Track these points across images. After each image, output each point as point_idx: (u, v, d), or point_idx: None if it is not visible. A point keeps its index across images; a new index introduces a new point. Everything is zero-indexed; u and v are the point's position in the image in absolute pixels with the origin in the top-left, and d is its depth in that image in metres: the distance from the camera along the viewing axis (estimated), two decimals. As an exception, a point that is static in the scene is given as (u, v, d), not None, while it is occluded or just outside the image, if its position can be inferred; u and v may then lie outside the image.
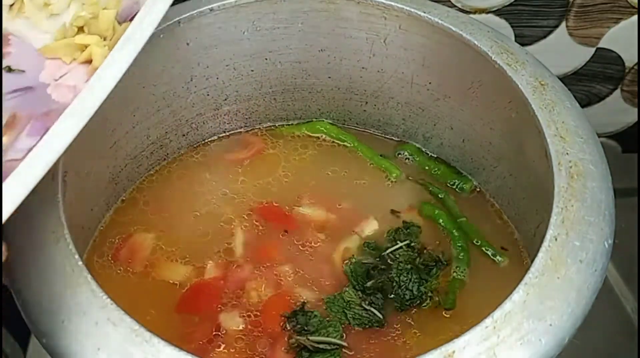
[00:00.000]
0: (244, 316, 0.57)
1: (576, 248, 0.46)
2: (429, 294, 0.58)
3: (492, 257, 0.62)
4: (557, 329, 0.43)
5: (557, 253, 0.46)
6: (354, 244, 0.63)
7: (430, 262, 0.61)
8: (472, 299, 0.59)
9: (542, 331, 0.42)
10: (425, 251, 0.62)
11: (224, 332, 0.56)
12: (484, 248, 0.63)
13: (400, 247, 0.62)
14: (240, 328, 0.56)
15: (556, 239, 0.46)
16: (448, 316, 0.58)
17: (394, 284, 0.59)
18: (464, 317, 0.57)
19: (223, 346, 0.55)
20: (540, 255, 0.46)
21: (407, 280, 0.58)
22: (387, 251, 0.61)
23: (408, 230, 0.64)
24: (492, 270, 0.62)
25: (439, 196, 0.67)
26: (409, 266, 0.59)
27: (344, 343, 0.55)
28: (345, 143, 0.71)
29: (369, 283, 0.59)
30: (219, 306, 0.57)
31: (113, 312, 0.42)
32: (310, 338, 0.54)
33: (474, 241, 0.63)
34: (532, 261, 0.46)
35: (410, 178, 0.69)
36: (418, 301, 0.58)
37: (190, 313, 0.57)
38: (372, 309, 0.57)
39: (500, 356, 0.41)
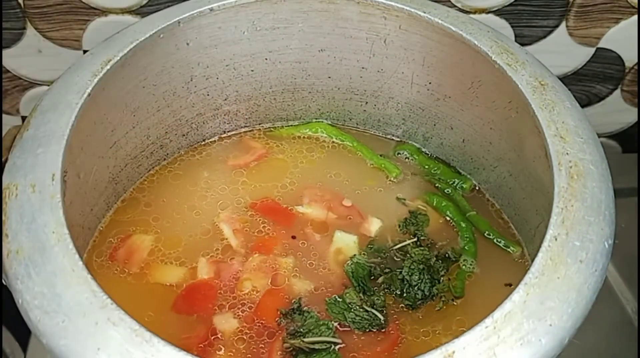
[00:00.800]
0: (238, 315, 0.57)
1: (576, 248, 0.46)
2: (442, 299, 0.58)
3: (504, 248, 0.63)
4: (557, 329, 0.43)
5: (557, 253, 0.46)
6: (349, 244, 0.62)
7: (442, 262, 0.61)
8: (481, 293, 0.59)
9: (542, 331, 0.42)
10: (436, 248, 0.62)
11: (221, 334, 0.56)
12: (495, 240, 0.63)
13: (409, 244, 0.62)
14: (235, 328, 0.56)
15: (556, 239, 0.46)
16: (457, 304, 0.58)
17: (405, 282, 0.59)
18: (471, 313, 0.57)
19: (224, 349, 0.55)
20: (540, 255, 0.46)
21: (419, 280, 0.58)
22: (396, 246, 0.61)
23: (416, 219, 0.64)
24: (502, 264, 0.62)
25: (446, 191, 0.67)
26: (421, 267, 0.59)
27: (338, 341, 0.55)
28: (344, 143, 0.71)
29: (380, 280, 0.59)
30: (215, 307, 0.57)
31: (113, 312, 0.42)
32: (305, 340, 0.54)
33: (485, 234, 0.64)
34: (532, 261, 0.46)
35: (415, 174, 0.69)
36: (429, 301, 0.58)
37: (186, 313, 0.57)
38: (374, 311, 0.57)
39: (500, 356, 0.41)
